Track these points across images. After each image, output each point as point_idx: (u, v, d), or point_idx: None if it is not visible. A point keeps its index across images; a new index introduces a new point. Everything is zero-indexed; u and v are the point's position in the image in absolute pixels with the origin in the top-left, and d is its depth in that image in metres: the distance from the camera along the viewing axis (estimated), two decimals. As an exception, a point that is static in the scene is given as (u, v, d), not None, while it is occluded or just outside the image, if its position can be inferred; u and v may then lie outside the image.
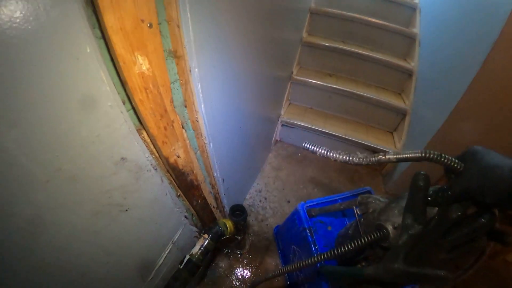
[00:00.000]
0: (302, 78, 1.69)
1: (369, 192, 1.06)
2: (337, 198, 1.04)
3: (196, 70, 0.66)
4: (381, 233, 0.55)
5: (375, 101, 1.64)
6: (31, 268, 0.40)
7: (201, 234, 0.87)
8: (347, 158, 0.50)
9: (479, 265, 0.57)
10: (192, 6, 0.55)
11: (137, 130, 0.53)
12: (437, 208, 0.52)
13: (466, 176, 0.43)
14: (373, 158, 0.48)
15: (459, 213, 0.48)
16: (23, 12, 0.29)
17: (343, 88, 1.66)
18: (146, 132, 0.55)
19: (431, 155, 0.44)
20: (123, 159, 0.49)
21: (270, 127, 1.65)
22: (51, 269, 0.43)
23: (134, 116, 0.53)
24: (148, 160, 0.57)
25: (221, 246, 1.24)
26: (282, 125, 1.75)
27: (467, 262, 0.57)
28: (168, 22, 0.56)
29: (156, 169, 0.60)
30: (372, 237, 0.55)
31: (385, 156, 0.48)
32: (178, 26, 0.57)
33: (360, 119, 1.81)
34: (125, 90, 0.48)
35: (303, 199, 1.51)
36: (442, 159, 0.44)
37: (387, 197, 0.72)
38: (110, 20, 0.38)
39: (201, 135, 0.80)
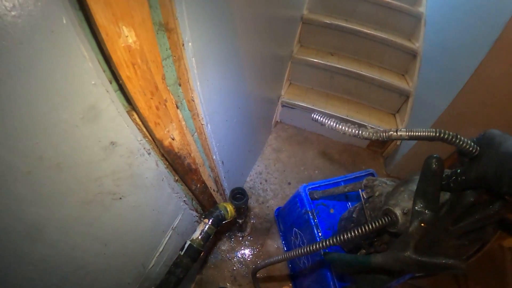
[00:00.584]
0: (302, 57, 1.61)
1: (372, 174, 1.04)
2: (339, 180, 1.02)
3: (190, 44, 0.60)
4: (390, 218, 0.52)
5: (378, 82, 1.58)
6: (22, 265, 0.37)
7: (202, 219, 0.85)
8: (357, 131, 0.46)
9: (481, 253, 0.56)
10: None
11: (127, 111, 0.49)
12: (448, 193, 0.50)
13: (483, 162, 0.41)
14: (384, 134, 0.45)
15: (472, 199, 0.46)
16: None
17: (345, 68, 1.59)
18: (137, 113, 0.50)
19: (447, 136, 0.41)
20: (112, 143, 0.45)
21: (270, 108, 1.60)
22: (44, 265, 0.40)
23: (123, 97, 0.48)
24: (140, 143, 0.53)
25: (223, 229, 1.24)
26: (283, 106, 1.69)
27: (470, 249, 0.55)
28: None
29: (149, 153, 0.56)
30: (380, 222, 0.52)
31: (396, 132, 0.44)
32: None
33: (362, 100, 1.75)
34: (110, 68, 0.43)
35: (304, 181, 1.50)
36: (458, 141, 0.41)
37: (392, 179, 0.69)
38: None
39: (198, 115, 0.75)
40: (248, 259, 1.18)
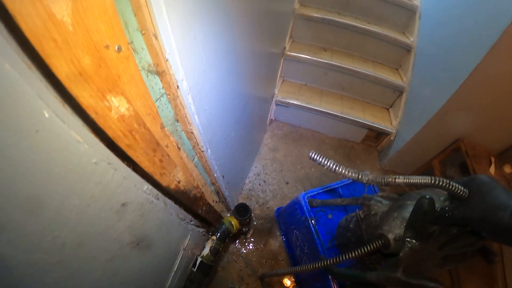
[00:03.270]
0: (295, 54, 1.58)
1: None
2: (337, 186, 1.07)
3: (184, 82, 0.58)
4: (383, 242, 0.58)
5: (372, 77, 1.58)
6: None
7: (209, 236, 0.90)
8: (357, 176, 0.48)
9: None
10: (170, 6, 0.44)
11: (127, 166, 0.49)
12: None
13: (469, 207, 0.45)
14: (382, 180, 0.48)
15: (456, 231, 0.52)
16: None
17: (338, 64, 1.57)
18: (141, 171, 0.51)
19: (441, 183, 0.44)
20: (123, 204, 0.47)
21: (265, 108, 1.59)
22: None
23: (121, 158, 0.48)
24: (147, 193, 0.54)
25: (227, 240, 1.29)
26: (277, 105, 1.68)
27: (451, 266, 0.63)
28: (142, 32, 0.47)
29: (158, 198, 0.58)
30: (375, 245, 0.58)
31: (394, 180, 0.47)
32: (155, 36, 0.49)
33: (356, 95, 1.76)
34: (101, 136, 0.42)
35: (301, 179, 1.55)
36: (450, 187, 0.45)
37: (387, 196, 0.74)
38: (61, 68, 0.29)
39: (198, 144, 0.76)
40: (253, 259, 1.26)
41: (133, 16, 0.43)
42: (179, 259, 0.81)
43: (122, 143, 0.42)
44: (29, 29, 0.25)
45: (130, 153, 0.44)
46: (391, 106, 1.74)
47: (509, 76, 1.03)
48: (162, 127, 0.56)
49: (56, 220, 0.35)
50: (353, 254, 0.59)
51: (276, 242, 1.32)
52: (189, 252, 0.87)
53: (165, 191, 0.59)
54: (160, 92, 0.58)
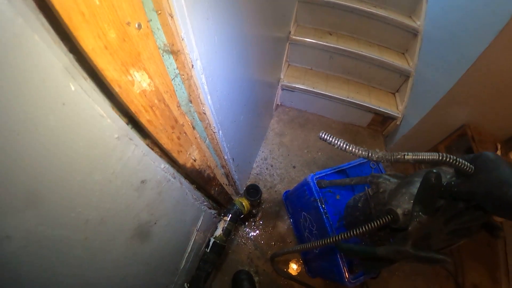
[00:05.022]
0: (300, 38, 1.54)
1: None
2: (345, 167, 1.07)
3: (198, 62, 0.58)
4: (392, 217, 0.59)
5: (378, 62, 1.55)
6: None
7: (221, 217, 0.92)
8: (366, 153, 0.49)
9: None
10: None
11: (147, 145, 0.50)
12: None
13: (474, 182, 0.47)
14: (392, 157, 0.48)
15: (462, 206, 0.53)
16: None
17: (344, 48, 1.53)
18: (159, 146, 0.52)
19: (448, 159, 0.45)
20: (143, 181, 0.48)
21: (271, 92, 1.58)
22: None
23: (141, 135, 0.49)
24: (165, 171, 0.56)
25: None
26: (283, 89, 1.67)
27: (457, 242, 0.64)
28: (157, 11, 0.47)
29: (174, 177, 0.60)
30: (384, 220, 0.60)
31: (403, 156, 0.48)
32: (171, 15, 0.48)
33: (362, 79, 1.73)
34: (123, 111, 0.42)
35: (308, 163, 1.56)
36: (457, 163, 0.46)
37: (394, 175, 0.75)
38: (88, 41, 0.29)
39: (210, 125, 0.76)
40: (262, 241, 1.29)
41: (148, -5, 0.42)
42: (193, 239, 0.83)
43: (143, 118, 0.43)
44: (58, 1, 0.25)
45: (151, 128, 0.44)
46: (397, 91, 1.72)
47: None
48: (179, 105, 0.56)
49: (80, 195, 0.36)
50: (363, 229, 0.61)
51: (284, 225, 1.35)
52: (202, 234, 0.90)
53: (182, 170, 0.60)
54: (174, 73, 0.58)
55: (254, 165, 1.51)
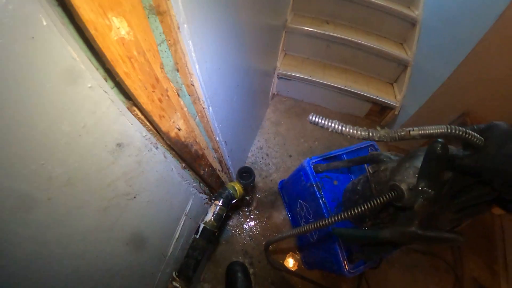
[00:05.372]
0: (297, 26, 1.51)
1: (372, 145, 1.05)
2: (342, 152, 1.03)
3: (185, 26, 0.54)
4: (396, 193, 0.54)
5: (376, 51, 1.52)
6: (55, 282, 0.38)
7: (212, 201, 0.87)
8: (367, 133, 0.44)
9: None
10: None
11: (128, 108, 0.46)
12: (450, 172, 0.51)
13: (482, 156, 0.43)
14: (396, 134, 0.44)
15: (472, 180, 0.49)
16: None
17: (341, 36, 1.50)
18: (139, 108, 0.47)
19: (457, 131, 0.42)
20: (119, 145, 0.43)
21: (267, 81, 1.54)
22: (76, 276, 0.41)
23: (121, 94, 0.45)
24: (146, 139, 0.51)
25: (230, 206, 1.27)
26: (279, 78, 1.63)
27: (464, 222, 0.59)
28: None
29: (157, 147, 0.55)
30: (388, 197, 0.54)
31: (409, 132, 0.44)
32: None
33: (359, 69, 1.70)
34: (103, 64, 0.39)
35: (304, 153, 1.52)
36: (467, 135, 0.42)
37: (395, 154, 0.70)
38: None
39: (199, 100, 0.71)
40: (257, 232, 1.24)
41: None
42: (181, 225, 0.78)
43: (120, 70, 0.38)
44: None
45: (128, 82, 0.40)
46: (395, 81, 1.69)
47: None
48: (162, 67, 0.52)
49: (42, 145, 0.31)
50: (365, 208, 0.55)
51: (279, 215, 1.30)
52: (191, 220, 0.85)
53: (165, 140, 0.55)
54: (161, 38, 0.53)
55: (249, 154, 1.46)
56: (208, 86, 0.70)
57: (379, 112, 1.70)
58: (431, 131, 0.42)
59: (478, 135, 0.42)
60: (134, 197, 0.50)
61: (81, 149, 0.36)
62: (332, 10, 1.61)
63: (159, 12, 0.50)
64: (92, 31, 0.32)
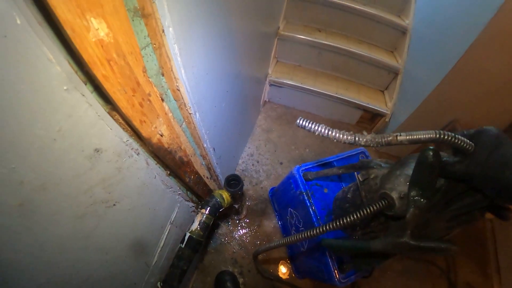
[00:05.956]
0: (289, 34, 1.54)
1: (363, 153, 1.06)
2: (332, 160, 1.03)
3: (170, 29, 0.53)
4: (387, 202, 0.54)
5: (367, 59, 1.56)
6: None
7: (199, 209, 0.85)
8: (353, 138, 0.44)
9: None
10: None
11: (108, 112, 0.44)
12: (442, 179, 0.51)
13: (473, 162, 0.42)
14: (383, 140, 0.44)
15: (465, 186, 0.48)
16: None
17: (333, 44, 1.53)
18: (119, 113, 0.46)
19: (446, 136, 0.41)
20: (97, 150, 0.41)
21: (258, 87, 1.55)
22: (48, 286, 0.39)
23: (100, 98, 0.43)
24: (127, 144, 0.49)
25: (219, 214, 1.25)
26: (270, 85, 1.64)
27: (457, 230, 0.59)
28: None
29: (138, 153, 0.53)
30: (378, 206, 0.53)
31: (396, 137, 0.43)
32: None
33: (351, 77, 1.73)
34: (83, 67, 0.38)
35: (295, 160, 1.52)
36: (456, 140, 0.41)
37: (386, 161, 0.70)
38: None
39: (185, 105, 0.70)
40: (247, 240, 1.22)
41: None
42: (166, 233, 0.76)
43: (98, 72, 0.37)
44: None
45: (106, 86, 0.38)
46: (386, 88, 1.72)
47: (503, 56, 1.03)
48: (145, 71, 0.50)
49: (13, 148, 0.30)
50: (354, 217, 0.54)
51: (270, 223, 1.28)
52: (177, 228, 0.82)
53: (147, 146, 0.54)
54: (146, 41, 0.53)
55: (240, 161, 1.45)
56: (195, 91, 0.69)
57: (370, 119, 1.72)
58: (420, 136, 0.42)
59: (468, 141, 0.42)
60: (114, 205, 0.48)
61: (56, 154, 0.35)
62: (324, 19, 1.64)
63: (143, 14, 0.49)
64: (69, 32, 0.32)
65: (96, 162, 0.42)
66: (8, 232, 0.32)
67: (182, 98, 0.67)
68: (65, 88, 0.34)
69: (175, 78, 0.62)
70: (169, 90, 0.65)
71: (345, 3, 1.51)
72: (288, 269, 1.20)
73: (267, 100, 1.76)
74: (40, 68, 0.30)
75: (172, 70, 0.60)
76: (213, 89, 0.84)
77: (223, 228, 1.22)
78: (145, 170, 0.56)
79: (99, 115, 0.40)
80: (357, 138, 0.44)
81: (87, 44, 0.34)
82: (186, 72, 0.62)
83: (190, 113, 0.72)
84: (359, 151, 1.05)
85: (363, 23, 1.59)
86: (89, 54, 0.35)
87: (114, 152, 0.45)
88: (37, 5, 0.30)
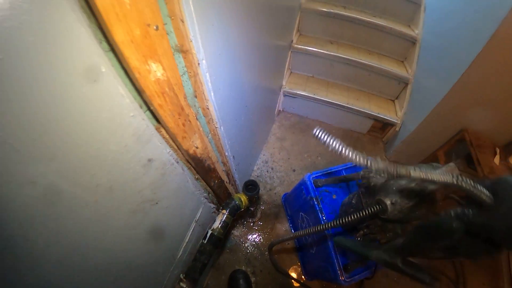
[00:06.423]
0: (302, 46, 1.63)
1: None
2: (341, 168, 1.11)
3: (203, 61, 0.65)
4: (381, 207, 0.63)
5: (378, 69, 1.61)
6: (86, 272, 0.47)
7: (220, 210, 0.96)
8: (367, 161, 0.42)
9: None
10: (194, -2, 0.52)
11: (156, 129, 0.56)
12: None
13: (494, 214, 0.39)
14: (394, 171, 0.42)
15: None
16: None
17: (344, 56, 1.61)
18: (166, 130, 0.58)
19: (464, 185, 0.38)
20: (149, 160, 0.53)
21: (273, 98, 1.65)
22: (101, 267, 0.51)
23: (152, 117, 0.55)
24: (170, 155, 0.61)
25: (236, 216, 1.35)
26: (285, 96, 1.74)
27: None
28: (171, 17, 0.54)
29: (177, 162, 0.65)
30: (373, 210, 0.63)
31: (409, 172, 0.41)
32: (182, 21, 0.56)
33: (362, 87, 1.79)
34: (139, 94, 0.49)
35: (308, 167, 1.60)
36: (474, 190, 0.38)
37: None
38: (119, 35, 0.37)
39: (212, 120, 0.82)
40: (260, 242, 1.31)
41: (164, 4, 0.50)
42: (191, 230, 0.87)
43: (156, 102, 0.49)
44: (101, 4, 0.33)
45: (161, 112, 0.50)
46: (396, 98, 1.77)
47: (510, 64, 1.05)
48: (185, 97, 0.63)
49: (95, 160, 0.41)
50: (353, 217, 0.65)
51: (282, 226, 1.37)
52: (200, 227, 0.93)
53: (185, 156, 0.65)
54: (183, 70, 0.64)
55: (255, 168, 1.55)
56: (220, 109, 0.81)
57: (380, 129, 1.77)
58: (434, 177, 0.39)
59: (487, 192, 0.39)
60: (156, 203, 0.60)
61: (122, 164, 0.47)
62: (336, 31, 1.71)
63: (182, 50, 0.61)
64: (137, 75, 0.43)
65: (148, 169, 0.54)
66: (84, 220, 0.43)
67: (211, 114, 0.79)
68: (131, 114, 0.46)
69: (205, 99, 0.73)
70: (200, 109, 0.77)
71: (355, 15, 1.58)
72: (298, 272, 1.28)
73: (281, 109, 1.86)
74: (116, 101, 0.42)
75: (203, 93, 0.72)
76: (235, 106, 0.95)
77: (239, 230, 1.33)
78: (181, 176, 0.68)
79: (152, 134, 0.52)
80: (370, 162, 0.42)
81: (148, 83, 0.46)
82: (214, 94, 0.74)
83: (216, 127, 0.84)
84: (367, 161, 1.12)
85: (373, 34, 1.65)
86: (150, 90, 0.47)
87: (161, 161, 0.57)
88: (115, 57, 0.42)
